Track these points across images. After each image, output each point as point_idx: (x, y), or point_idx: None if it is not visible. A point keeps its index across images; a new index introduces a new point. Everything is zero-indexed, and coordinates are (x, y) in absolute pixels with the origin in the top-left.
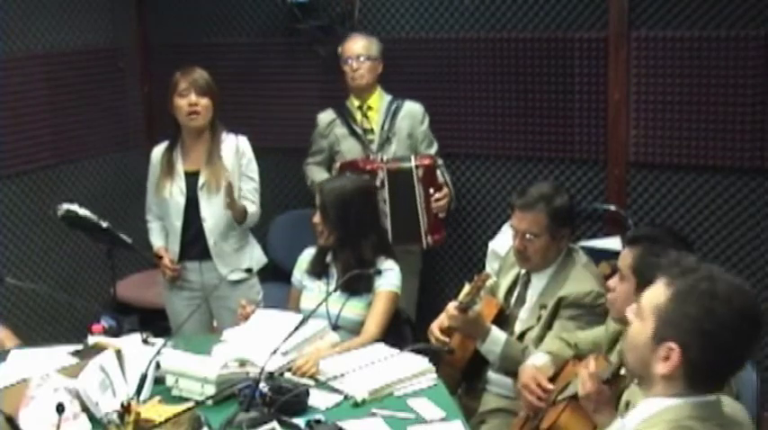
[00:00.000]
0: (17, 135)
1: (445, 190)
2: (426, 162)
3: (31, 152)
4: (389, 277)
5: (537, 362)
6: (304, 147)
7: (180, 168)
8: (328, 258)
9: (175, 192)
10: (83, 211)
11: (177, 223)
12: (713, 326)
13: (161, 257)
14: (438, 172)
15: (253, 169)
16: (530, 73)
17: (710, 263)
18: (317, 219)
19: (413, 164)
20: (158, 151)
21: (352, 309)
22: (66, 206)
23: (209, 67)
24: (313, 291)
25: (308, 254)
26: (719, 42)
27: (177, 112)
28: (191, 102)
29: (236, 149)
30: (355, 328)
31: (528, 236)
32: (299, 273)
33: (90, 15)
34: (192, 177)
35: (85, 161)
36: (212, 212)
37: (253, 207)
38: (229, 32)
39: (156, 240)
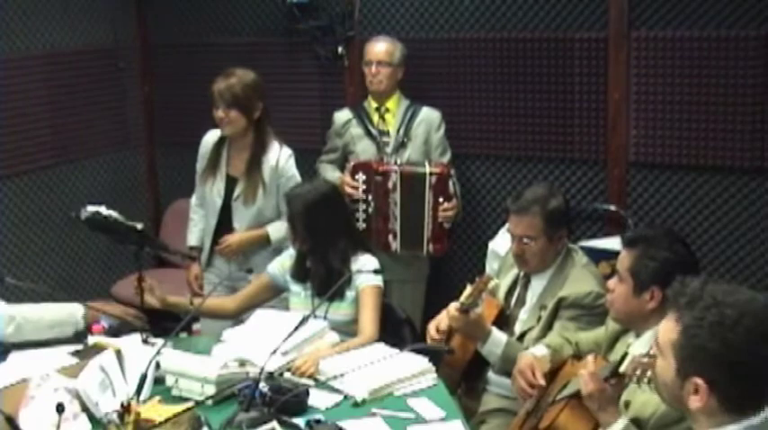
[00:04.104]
0: (17, 135)
1: (454, 201)
2: (440, 170)
3: (31, 152)
4: (369, 272)
5: (537, 352)
6: (303, 148)
7: (223, 169)
8: (308, 262)
9: (214, 193)
10: (112, 214)
11: (212, 221)
12: (732, 357)
13: (194, 259)
14: (450, 182)
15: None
16: (530, 73)
17: (712, 276)
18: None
19: (427, 170)
20: (210, 139)
21: (336, 310)
22: (90, 209)
23: (209, 67)
24: (299, 296)
25: (287, 255)
26: (719, 42)
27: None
28: (218, 116)
29: (275, 164)
30: (344, 328)
31: (525, 239)
32: (281, 269)
33: (90, 15)
34: (231, 183)
35: (85, 161)
36: (244, 224)
37: (285, 226)
38: (229, 32)
39: (192, 238)
